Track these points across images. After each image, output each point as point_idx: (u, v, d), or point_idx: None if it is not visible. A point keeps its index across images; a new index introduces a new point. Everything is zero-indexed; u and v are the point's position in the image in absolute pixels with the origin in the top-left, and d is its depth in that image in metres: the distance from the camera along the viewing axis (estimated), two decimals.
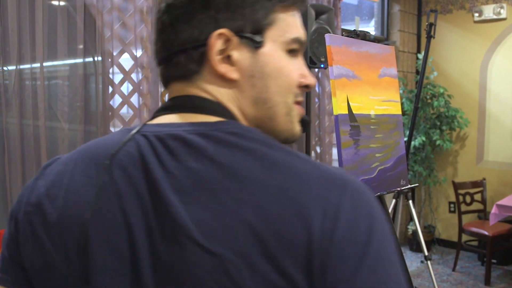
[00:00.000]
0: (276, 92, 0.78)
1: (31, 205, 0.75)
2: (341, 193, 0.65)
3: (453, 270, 4.92)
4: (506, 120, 5.25)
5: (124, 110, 3.05)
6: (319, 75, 4.06)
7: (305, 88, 0.82)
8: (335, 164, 4.38)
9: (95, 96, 2.90)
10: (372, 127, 2.79)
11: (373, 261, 0.62)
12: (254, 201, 0.64)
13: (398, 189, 2.95)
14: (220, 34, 0.74)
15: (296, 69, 0.80)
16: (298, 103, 0.82)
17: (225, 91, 0.77)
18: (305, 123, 0.86)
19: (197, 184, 0.67)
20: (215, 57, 0.74)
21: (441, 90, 5.20)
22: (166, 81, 0.80)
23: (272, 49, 0.77)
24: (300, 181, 0.66)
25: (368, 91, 2.79)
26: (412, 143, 5.14)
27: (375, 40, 5.25)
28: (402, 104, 5.41)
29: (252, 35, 0.75)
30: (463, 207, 4.90)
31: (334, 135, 4.48)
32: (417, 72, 5.62)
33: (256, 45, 0.76)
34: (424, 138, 5.14)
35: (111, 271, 0.68)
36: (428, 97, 5.26)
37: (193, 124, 0.73)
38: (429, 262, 3.64)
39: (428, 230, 5.61)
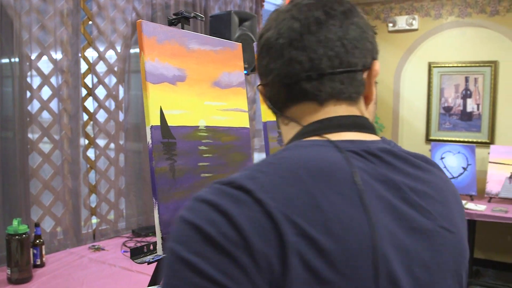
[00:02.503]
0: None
1: (295, 235, 0.66)
2: None
3: None
4: (418, 125, 5.52)
5: (43, 115, 2.93)
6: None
7: None
8: None
9: (12, 100, 2.77)
10: None
11: None
12: (451, 192, 0.87)
13: None
14: (376, 62, 0.88)
15: None
16: None
17: (365, 112, 0.89)
18: None
19: (422, 185, 0.82)
20: (373, 83, 0.87)
21: None
22: (327, 97, 0.84)
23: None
24: (453, 186, 0.91)
25: None
26: None
27: None
28: None
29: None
30: None
31: (255, 140, 4.53)
32: None
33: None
34: None
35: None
36: None
37: (378, 141, 0.84)
38: None
39: None
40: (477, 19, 5.21)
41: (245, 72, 3.27)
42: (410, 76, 5.52)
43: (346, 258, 0.67)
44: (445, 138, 5.37)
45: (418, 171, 0.83)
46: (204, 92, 1.71)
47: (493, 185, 4.83)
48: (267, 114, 2.37)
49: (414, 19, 5.44)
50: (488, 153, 4.96)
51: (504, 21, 5.11)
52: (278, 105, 0.89)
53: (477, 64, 5.19)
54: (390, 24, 5.56)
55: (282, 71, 0.85)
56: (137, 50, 3.50)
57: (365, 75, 0.86)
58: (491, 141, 5.22)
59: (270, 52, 0.86)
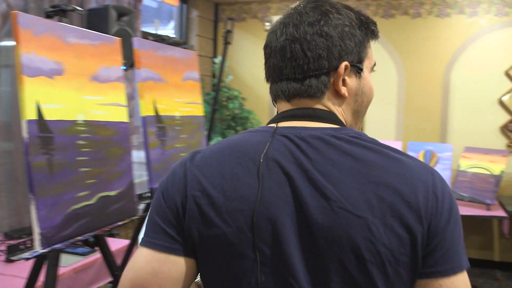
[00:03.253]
0: (366, 105, 1.13)
1: (197, 190, 1.00)
2: (432, 177, 0.99)
3: None
4: None
5: None
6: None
7: None
8: (141, 165, 4.36)
9: None
10: (177, 128, 2.88)
11: (454, 222, 0.97)
12: (383, 181, 0.95)
13: None
14: (346, 65, 1.05)
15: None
16: None
17: (338, 105, 1.08)
18: None
19: (340, 170, 0.96)
20: (340, 82, 1.06)
21: (236, 93, 5.49)
22: (290, 96, 1.07)
23: (366, 74, 1.11)
24: (408, 168, 0.98)
25: (173, 93, 2.88)
26: (209, 143, 5.33)
27: (175, 44, 5.35)
28: None
29: (357, 64, 1.07)
30: None
31: (134, 137, 4.48)
32: (214, 76, 5.86)
33: (359, 72, 1.08)
34: (220, 139, 5.37)
35: (284, 237, 0.96)
36: (224, 99, 5.52)
37: (324, 129, 1.03)
38: None
39: None
40: None
41: (124, 67, 3.23)
42: None
43: (231, 212, 0.97)
44: None
45: (345, 158, 0.98)
46: (83, 86, 1.69)
47: None
48: (146, 109, 2.38)
49: None
50: None
51: None
52: (273, 101, 1.14)
53: None
54: (267, 23, 5.74)
55: (266, 75, 1.12)
56: (8, 43, 3.33)
57: (332, 75, 1.05)
58: None
59: (264, 58, 1.12)
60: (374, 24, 1.13)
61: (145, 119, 2.42)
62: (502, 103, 5.28)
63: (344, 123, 1.09)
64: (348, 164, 0.97)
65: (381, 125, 5.54)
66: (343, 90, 1.06)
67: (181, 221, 1.01)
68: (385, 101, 5.52)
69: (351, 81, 1.08)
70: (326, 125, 1.05)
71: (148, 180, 2.69)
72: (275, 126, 1.05)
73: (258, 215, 0.96)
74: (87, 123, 1.72)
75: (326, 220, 0.94)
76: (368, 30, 1.10)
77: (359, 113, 1.13)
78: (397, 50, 5.45)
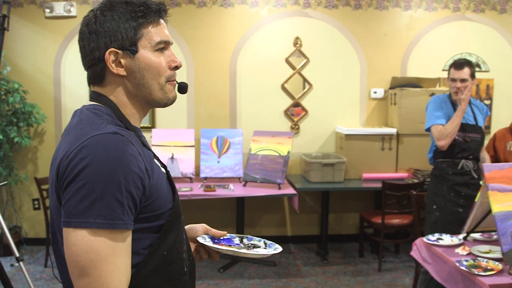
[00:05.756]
0: (150, 78, 1.29)
1: None
2: (80, 144, 1.14)
3: (45, 266, 4.98)
4: None
5: None
6: None
7: (175, 68, 1.33)
8: None
9: None
10: None
11: (76, 184, 1.11)
12: (64, 141, 1.23)
13: None
14: (110, 51, 1.26)
15: (165, 59, 1.31)
16: (172, 81, 1.33)
17: (118, 83, 1.30)
18: (183, 88, 1.40)
19: (67, 132, 1.26)
20: (111, 64, 1.27)
21: (16, 86, 5.03)
22: (88, 83, 1.35)
23: (144, 52, 1.28)
24: (75, 135, 1.19)
25: None
26: None
27: None
28: None
29: (129, 47, 1.26)
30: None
31: None
32: None
33: (133, 53, 1.27)
34: (1, 136, 4.89)
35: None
36: (2, 93, 5.02)
37: (89, 104, 1.30)
38: (21, 263, 3.52)
39: (15, 231, 5.41)
40: None
41: None
42: (71, 64, 5.42)
43: None
44: None
45: (74, 120, 1.28)
46: None
47: None
48: None
49: (72, 5, 5.36)
50: (151, 137, 5.21)
51: None
52: None
53: None
54: (48, 10, 5.36)
55: None
56: None
57: (106, 61, 1.28)
58: (152, 125, 5.50)
59: None
60: (158, 4, 1.30)
61: None
62: (284, 88, 5.61)
63: (126, 95, 1.30)
64: (71, 126, 1.26)
65: (173, 114, 5.53)
66: (116, 70, 1.27)
67: None
68: None
69: (127, 61, 1.27)
70: (91, 103, 1.31)
71: None
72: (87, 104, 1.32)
73: None
74: None
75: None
76: (147, 14, 1.27)
77: (144, 85, 1.29)
78: (184, 38, 5.48)
